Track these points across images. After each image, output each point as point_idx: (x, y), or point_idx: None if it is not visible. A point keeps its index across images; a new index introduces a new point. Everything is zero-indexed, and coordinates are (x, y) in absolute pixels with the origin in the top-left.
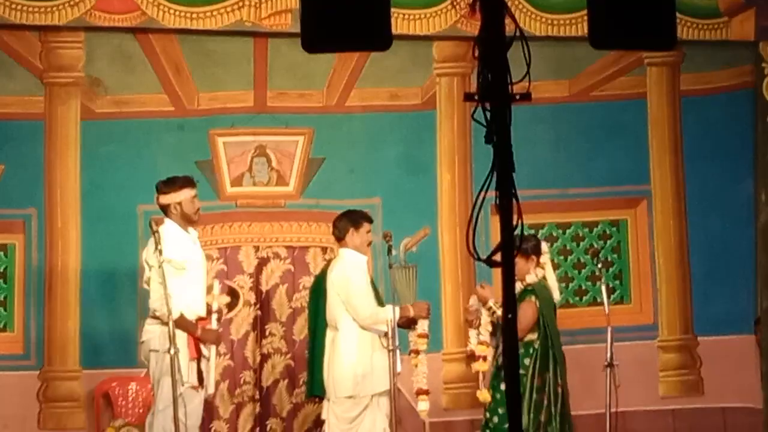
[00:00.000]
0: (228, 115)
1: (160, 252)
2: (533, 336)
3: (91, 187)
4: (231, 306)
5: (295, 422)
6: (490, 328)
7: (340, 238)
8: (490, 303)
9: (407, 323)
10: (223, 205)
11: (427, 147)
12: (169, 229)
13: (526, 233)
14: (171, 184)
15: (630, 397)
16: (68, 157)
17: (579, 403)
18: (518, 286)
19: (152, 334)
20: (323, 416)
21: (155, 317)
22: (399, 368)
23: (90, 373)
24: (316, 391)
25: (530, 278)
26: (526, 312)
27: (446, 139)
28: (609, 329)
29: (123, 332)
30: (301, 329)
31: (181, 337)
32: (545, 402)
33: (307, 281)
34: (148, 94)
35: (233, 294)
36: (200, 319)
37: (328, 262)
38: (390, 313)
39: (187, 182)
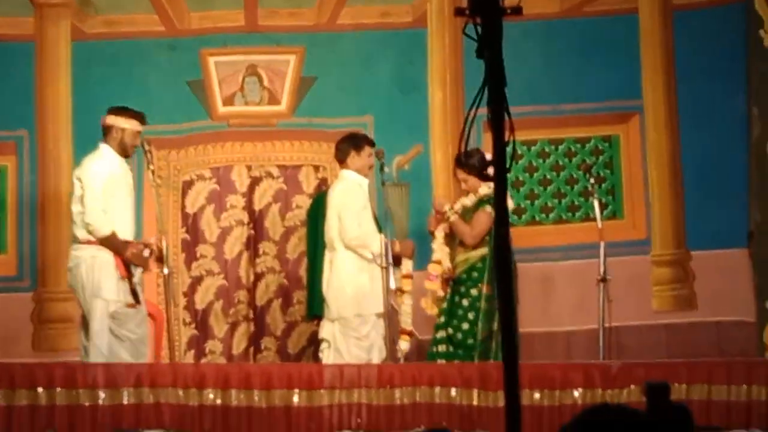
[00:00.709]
0: (219, 34)
1: (152, 172)
2: (485, 248)
3: (82, 108)
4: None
5: (289, 341)
6: (442, 238)
7: (341, 160)
8: (446, 208)
9: (393, 260)
10: (215, 125)
11: (418, 65)
12: (105, 152)
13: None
14: (122, 110)
15: (623, 312)
16: (59, 78)
17: (572, 319)
18: (471, 199)
19: (80, 259)
20: (321, 336)
21: (82, 242)
22: (393, 285)
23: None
24: (316, 311)
25: (483, 190)
26: (481, 220)
27: (438, 57)
28: (602, 244)
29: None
30: (294, 248)
31: (108, 257)
32: (496, 310)
33: (300, 200)
34: (138, 14)
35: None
36: (125, 242)
37: (321, 182)
38: (377, 244)
39: (138, 116)
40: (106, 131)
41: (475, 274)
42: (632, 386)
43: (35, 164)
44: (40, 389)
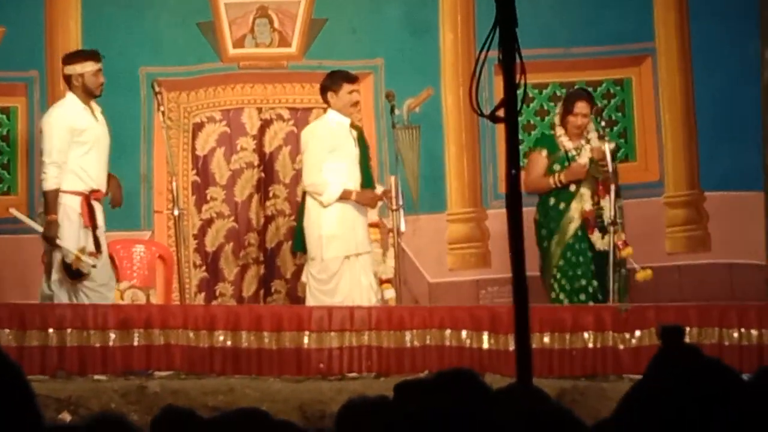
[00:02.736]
0: None
1: (163, 114)
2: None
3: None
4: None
5: (299, 284)
6: None
7: (324, 101)
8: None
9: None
10: (225, 66)
11: (429, 6)
12: (68, 101)
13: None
14: (74, 55)
15: (637, 254)
16: (69, 19)
17: None
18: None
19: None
20: (302, 278)
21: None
22: (403, 227)
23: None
24: (297, 248)
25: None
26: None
27: None
28: (612, 188)
29: (126, 195)
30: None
31: (74, 205)
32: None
33: None
34: None
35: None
36: (93, 191)
37: None
38: (331, 196)
39: (91, 55)
40: (67, 82)
41: None
42: (643, 329)
43: (45, 105)
44: (50, 330)
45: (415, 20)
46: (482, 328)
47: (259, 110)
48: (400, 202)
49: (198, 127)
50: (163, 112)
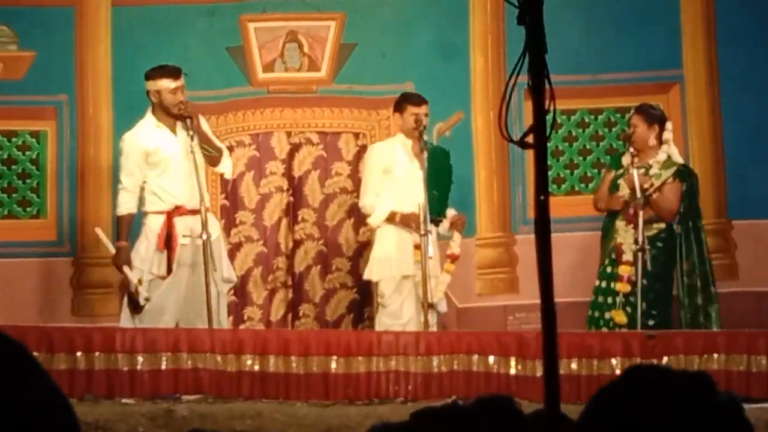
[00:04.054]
0: (258, 0)
1: (192, 138)
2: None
3: (122, 73)
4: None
5: (327, 308)
6: None
7: (396, 122)
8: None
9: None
10: (254, 91)
11: (459, 31)
12: (141, 122)
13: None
14: (154, 71)
15: None
16: (99, 43)
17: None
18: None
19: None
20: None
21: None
22: (431, 253)
23: None
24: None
25: (664, 155)
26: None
27: (479, 23)
28: (640, 213)
29: None
30: (333, 215)
31: (154, 227)
32: (698, 284)
33: (340, 167)
34: None
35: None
36: (177, 207)
37: (361, 149)
38: (377, 218)
39: (170, 72)
40: (148, 98)
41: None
42: (671, 356)
43: (75, 129)
44: (78, 353)
45: (445, 44)
46: (510, 353)
47: (288, 134)
48: (428, 228)
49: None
50: (192, 137)
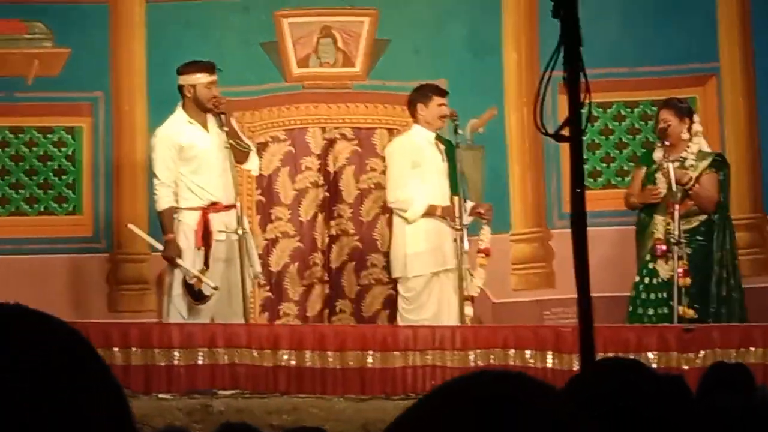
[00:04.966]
0: None
1: (227, 134)
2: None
3: (157, 70)
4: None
5: (363, 304)
6: None
7: (412, 114)
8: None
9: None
10: (289, 86)
11: (492, 26)
12: (173, 117)
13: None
14: (188, 66)
15: None
16: (133, 39)
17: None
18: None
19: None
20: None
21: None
22: (466, 247)
23: (159, 256)
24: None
25: (696, 146)
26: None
27: (512, 17)
28: (676, 207)
29: None
30: (368, 211)
31: (190, 224)
32: (725, 275)
33: (374, 162)
34: None
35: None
36: (212, 203)
37: None
38: (416, 212)
39: (204, 67)
40: (181, 92)
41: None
42: (707, 349)
43: (110, 125)
44: (115, 349)
45: (478, 40)
46: (546, 347)
47: (323, 130)
48: (465, 222)
49: (262, 147)
50: (227, 132)
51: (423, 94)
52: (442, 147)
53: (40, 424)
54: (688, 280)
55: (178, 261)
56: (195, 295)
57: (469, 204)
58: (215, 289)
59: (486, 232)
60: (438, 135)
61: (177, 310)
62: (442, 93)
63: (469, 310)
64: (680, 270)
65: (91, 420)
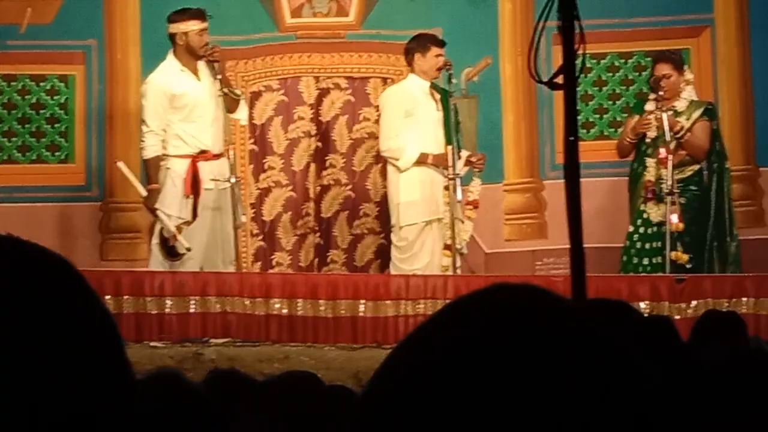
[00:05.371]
0: None
1: (220, 81)
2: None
3: (151, 17)
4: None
5: (355, 253)
6: None
7: (408, 63)
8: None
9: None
10: (282, 36)
11: None
12: (164, 65)
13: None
14: (179, 13)
15: None
16: None
17: None
18: (682, 104)
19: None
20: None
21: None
22: (459, 197)
23: None
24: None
25: (688, 94)
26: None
27: None
28: (670, 158)
29: None
30: (361, 160)
31: (179, 172)
32: (721, 223)
33: (368, 112)
34: None
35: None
36: (202, 152)
37: None
38: (408, 160)
39: (197, 14)
40: (172, 40)
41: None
42: (699, 300)
43: (103, 74)
44: (107, 297)
45: None
46: None
47: (317, 79)
48: (457, 172)
49: (255, 96)
50: (220, 80)
51: (421, 43)
52: (437, 96)
53: (29, 352)
54: (681, 225)
55: (158, 213)
56: (168, 250)
57: (464, 153)
58: (188, 250)
59: (476, 183)
60: (433, 84)
61: (157, 258)
62: (440, 43)
63: (448, 261)
64: (674, 215)
65: (81, 347)
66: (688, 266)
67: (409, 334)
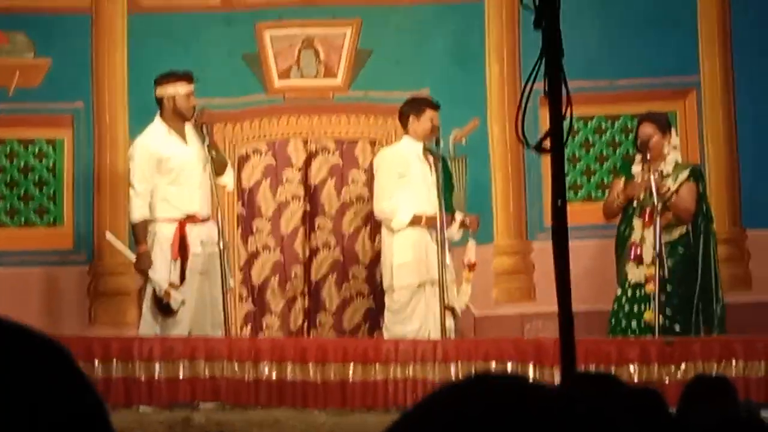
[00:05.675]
0: (274, 8)
1: (208, 147)
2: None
3: (138, 81)
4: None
5: (344, 316)
6: None
7: (403, 126)
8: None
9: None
10: (270, 98)
11: (475, 38)
12: (152, 128)
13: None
14: (167, 76)
15: None
16: (115, 51)
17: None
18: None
19: (150, 234)
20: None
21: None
22: (448, 261)
23: None
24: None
25: (674, 157)
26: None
27: (495, 29)
28: (658, 220)
29: None
30: (349, 223)
31: (167, 235)
32: (707, 286)
33: (356, 175)
34: None
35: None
36: (189, 216)
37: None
38: (401, 221)
39: (184, 77)
40: (159, 103)
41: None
42: (689, 362)
43: (91, 137)
44: (96, 362)
45: (460, 51)
46: (528, 360)
47: (305, 142)
48: (446, 236)
49: (244, 159)
50: (208, 144)
51: (414, 106)
52: (431, 159)
53: None
54: (652, 287)
55: (150, 273)
56: (163, 308)
57: (459, 215)
58: (182, 303)
59: (472, 245)
60: (426, 146)
61: (148, 323)
62: (434, 106)
63: (450, 323)
64: (650, 275)
65: None
66: (676, 329)
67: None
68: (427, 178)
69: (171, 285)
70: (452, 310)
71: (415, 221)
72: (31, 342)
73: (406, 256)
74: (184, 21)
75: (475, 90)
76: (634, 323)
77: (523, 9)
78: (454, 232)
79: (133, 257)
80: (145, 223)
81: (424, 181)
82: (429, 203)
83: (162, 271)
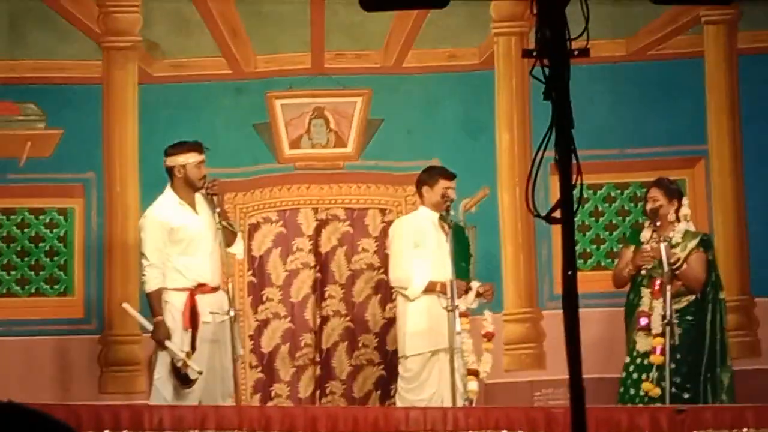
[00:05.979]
0: (285, 77)
1: (219, 215)
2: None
3: (150, 151)
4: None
5: (354, 385)
6: None
7: (419, 194)
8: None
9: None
10: (281, 167)
11: (485, 107)
12: (162, 199)
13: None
14: (177, 147)
15: None
16: (126, 121)
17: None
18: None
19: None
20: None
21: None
22: (458, 328)
23: (149, 337)
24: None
25: (684, 226)
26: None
27: (504, 99)
28: (668, 288)
29: None
30: (360, 291)
31: (178, 305)
32: (716, 355)
33: (366, 243)
34: (205, 57)
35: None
36: (200, 285)
37: (388, 225)
38: (416, 290)
39: (194, 147)
40: (170, 173)
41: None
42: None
43: (102, 207)
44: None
45: (470, 121)
46: (538, 429)
47: (315, 211)
48: (456, 303)
49: (254, 228)
50: (219, 213)
51: (430, 176)
52: (447, 228)
53: None
54: (660, 358)
55: (167, 343)
56: (181, 378)
57: (475, 284)
58: (200, 373)
59: (488, 314)
60: (442, 215)
61: (160, 393)
62: (450, 176)
63: (473, 385)
64: (659, 347)
65: None
66: (685, 396)
67: None
68: (443, 246)
69: (188, 354)
70: (476, 374)
71: (430, 288)
72: (44, 427)
73: (420, 324)
74: (194, 90)
75: (485, 159)
76: (642, 392)
77: (533, 80)
78: (471, 300)
79: (150, 327)
80: (159, 293)
81: (439, 249)
82: (444, 271)
83: (174, 340)
